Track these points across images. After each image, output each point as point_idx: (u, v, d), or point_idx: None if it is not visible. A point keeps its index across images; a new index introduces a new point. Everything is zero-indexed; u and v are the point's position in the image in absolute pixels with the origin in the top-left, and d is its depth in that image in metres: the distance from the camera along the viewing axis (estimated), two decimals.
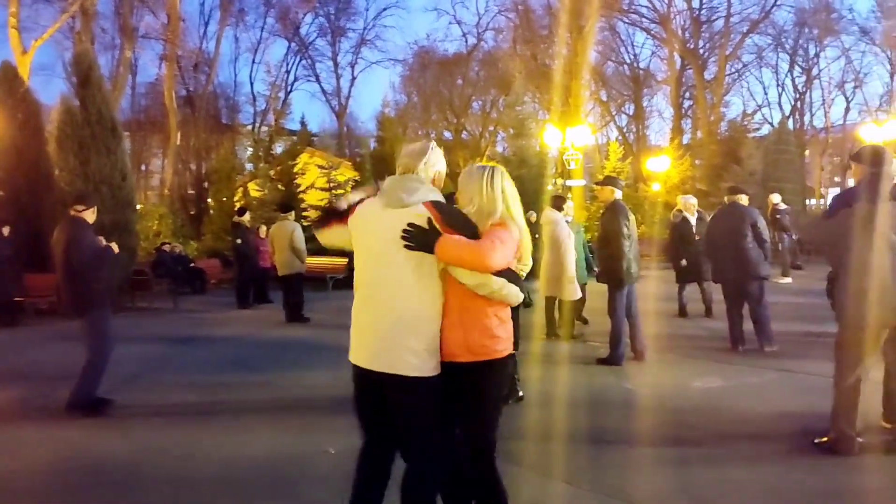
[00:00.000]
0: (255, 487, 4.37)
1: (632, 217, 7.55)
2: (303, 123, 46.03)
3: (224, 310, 13.48)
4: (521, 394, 6.08)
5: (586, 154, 35.83)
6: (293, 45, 42.73)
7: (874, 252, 4.51)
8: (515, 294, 2.89)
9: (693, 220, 10.72)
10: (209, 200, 27.58)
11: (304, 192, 23.11)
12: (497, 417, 3.04)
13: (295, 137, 30.01)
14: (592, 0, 30.88)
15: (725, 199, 8.80)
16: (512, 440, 4.71)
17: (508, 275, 2.88)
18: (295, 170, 23.83)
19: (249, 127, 42.04)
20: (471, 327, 2.90)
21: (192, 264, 17.21)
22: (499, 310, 2.95)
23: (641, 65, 42.65)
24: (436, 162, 3.14)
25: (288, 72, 42.94)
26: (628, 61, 42.86)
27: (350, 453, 3.25)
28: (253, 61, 40.94)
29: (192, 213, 30.70)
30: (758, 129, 34.78)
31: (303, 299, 11.69)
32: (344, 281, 15.35)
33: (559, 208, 8.84)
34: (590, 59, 33.99)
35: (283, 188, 22.97)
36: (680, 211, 10.76)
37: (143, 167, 43.01)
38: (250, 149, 39.59)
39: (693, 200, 10.97)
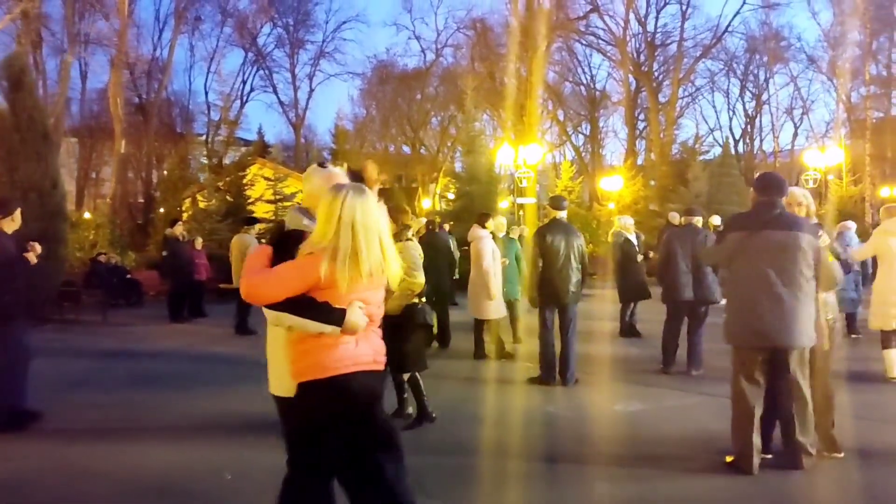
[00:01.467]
0: None
1: (555, 238, 7.41)
2: (259, 134, 45.86)
3: (156, 323, 13.10)
4: (409, 410, 6.01)
5: (542, 172, 36.27)
6: (250, 55, 42.46)
7: (742, 278, 4.71)
8: (313, 327, 2.75)
9: (634, 240, 10.74)
10: (161, 210, 27.08)
11: (252, 203, 22.79)
12: (292, 446, 2.97)
13: (250, 148, 29.72)
14: (548, 20, 31.24)
15: (681, 220, 8.78)
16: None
17: (297, 309, 2.76)
18: (244, 181, 23.50)
19: (203, 137, 41.72)
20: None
21: (128, 275, 16.75)
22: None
23: (598, 86, 43.33)
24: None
25: (244, 82, 42.60)
26: (585, 82, 43.52)
27: (247, 477, 3.12)
28: (208, 70, 40.38)
29: (139, 222, 30.09)
30: (707, 152, 35.49)
31: (248, 312, 11.33)
32: None
33: (482, 224, 8.77)
34: (545, 78, 34.36)
35: (232, 199, 22.62)
36: (620, 232, 10.78)
37: (93, 174, 42.16)
38: (204, 159, 39.23)
39: (630, 221, 11.02)
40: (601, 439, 5.61)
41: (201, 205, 22.06)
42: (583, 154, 43.59)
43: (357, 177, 3.46)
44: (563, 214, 7.63)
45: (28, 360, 5.95)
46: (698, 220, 8.42)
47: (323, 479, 2.96)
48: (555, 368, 7.46)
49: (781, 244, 4.57)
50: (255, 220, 13.14)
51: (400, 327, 5.49)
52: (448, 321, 9.66)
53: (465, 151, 22.18)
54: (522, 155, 23.26)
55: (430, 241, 9.64)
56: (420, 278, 5.49)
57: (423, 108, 42.52)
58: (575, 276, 7.38)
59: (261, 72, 43.46)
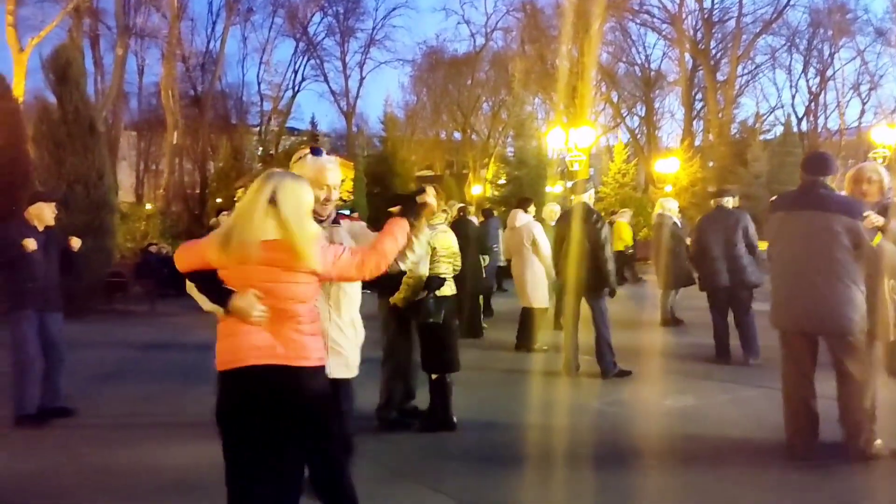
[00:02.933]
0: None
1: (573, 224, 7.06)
2: (312, 124, 46.18)
3: (203, 313, 13.02)
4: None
5: (595, 155, 35.49)
6: (301, 44, 42.67)
7: (780, 260, 4.64)
8: (206, 304, 2.78)
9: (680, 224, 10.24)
10: (218, 200, 27.45)
11: None
12: None
13: (300, 137, 29.91)
14: (600, 0, 30.37)
15: (712, 202, 8.31)
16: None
17: (197, 281, 2.79)
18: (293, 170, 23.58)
19: (257, 127, 42.24)
20: None
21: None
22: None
23: (653, 66, 42.11)
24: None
25: (296, 72, 42.87)
26: (639, 62, 42.30)
27: None
28: (260, 61, 40.81)
29: (195, 212, 30.56)
30: (769, 131, 34.11)
31: None
32: None
33: (524, 209, 8.37)
34: (597, 59, 33.53)
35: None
36: (664, 214, 10.25)
37: (153, 166, 43.10)
38: (261, 149, 39.72)
39: (675, 204, 10.48)
40: (650, 437, 5.23)
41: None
42: (638, 136, 42.52)
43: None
44: (586, 198, 7.21)
45: (33, 359, 5.77)
46: (728, 202, 7.91)
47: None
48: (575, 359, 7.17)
49: (814, 226, 4.37)
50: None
51: (425, 327, 5.28)
52: (479, 312, 9.32)
53: (515, 136, 21.74)
54: (573, 138, 22.76)
55: (460, 229, 9.28)
56: (423, 269, 5.11)
57: (474, 94, 42.05)
58: (596, 265, 6.97)
59: (312, 61, 43.67)
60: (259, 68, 41.42)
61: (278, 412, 2.67)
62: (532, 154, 20.85)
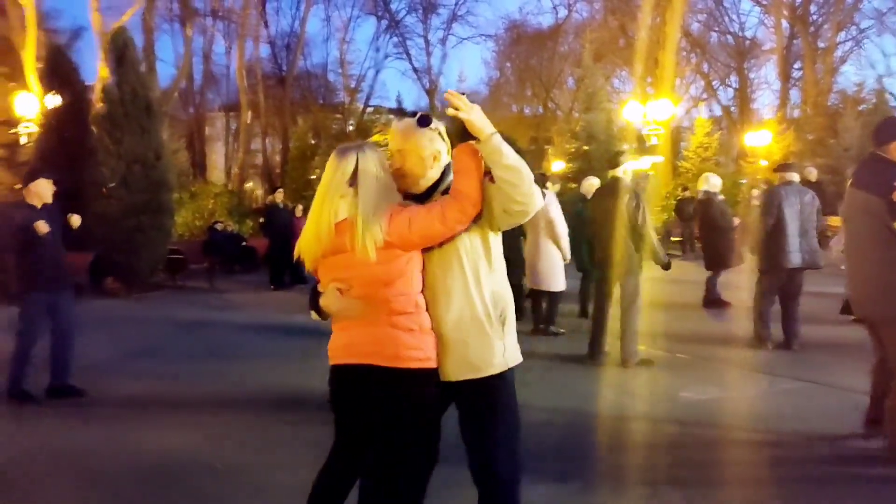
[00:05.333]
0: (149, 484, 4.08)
1: (606, 202, 6.66)
2: (398, 101, 46.31)
3: (259, 290, 13.33)
4: None
5: (688, 129, 33.99)
6: (383, 22, 42.67)
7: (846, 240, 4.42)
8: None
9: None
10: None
11: None
12: None
13: (371, 114, 29.96)
14: None
15: (779, 176, 7.67)
16: None
17: None
18: None
19: (343, 106, 42.67)
20: None
21: (244, 243, 17.24)
22: None
23: (747, 34, 39.84)
24: None
25: (378, 49, 42.95)
26: (733, 30, 40.11)
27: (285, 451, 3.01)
28: (345, 40, 41.07)
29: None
30: (869, 101, 31.64)
31: None
32: None
33: (542, 186, 7.89)
34: (686, 28, 32.02)
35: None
36: (709, 192, 9.55)
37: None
38: (350, 127, 40.20)
39: (719, 181, 9.74)
40: (650, 435, 4.84)
41: (314, 173, 22.43)
42: (731, 108, 40.46)
43: None
44: (620, 172, 6.71)
45: (32, 335, 5.87)
46: (793, 176, 7.22)
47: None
48: (601, 345, 6.75)
49: (853, 204, 4.10)
50: None
51: None
52: (521, 293, 8.95)
53: (584, 109, 20.99)
54: (651, 111, 21.83)
55: None
56: None
57: (556, 67, 41.04)
58: (628, 245, 6.50)
59: (394, 39, 43.64)
60: (342, 47, 41.85)
61: (365, 413, 2.53)
62: (602, 128, 20.06)
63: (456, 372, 2.53)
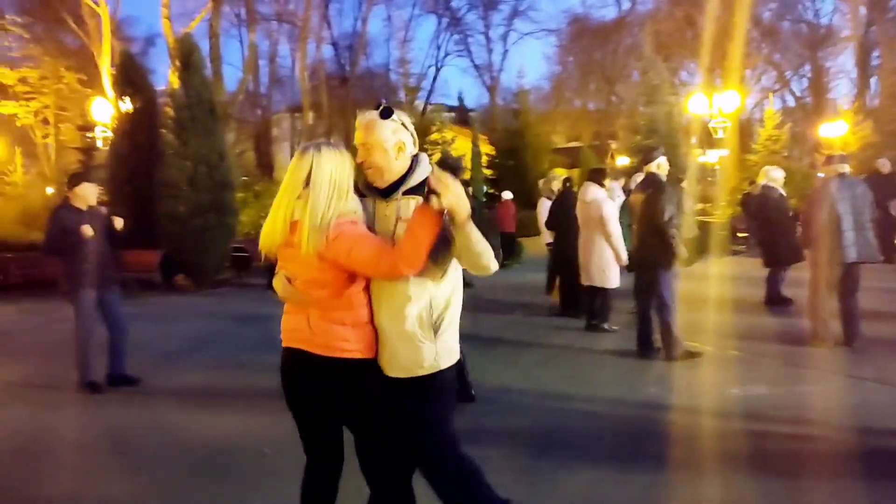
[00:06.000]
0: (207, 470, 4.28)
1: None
2: (460, 99, 46.42)
3: None
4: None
5: (760, 121, 32.97)
6: (444, 20, 42.91)
7: None
8: None
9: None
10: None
11: None
12: None
13: (430, 112, 30.09)
14: None
15: (827, 170, 7.44)
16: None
17: None
18: (425, 145, 23.94)
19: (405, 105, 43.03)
20: None
21: None
22: None
23: (822, 21, 38.42)
24: None
25: (439, 47, 43.27)
26: (806, 18, 38.74)
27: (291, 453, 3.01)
28: (404, 39, 41.45)
29: None
30: None
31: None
32: None
33: (599, 182, 7.84)
34: (756, 17, 31.10)
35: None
36: (769, 185, 9.28)
37: None
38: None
39: (780, 173, 9.42)
40: (695, 431, 4.76)
41: None
42: (805, 99, 39.09)
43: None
44: (653, 167, 6.63)
45: (88, 331, 6.17)
46: (844, 168, 6.98)
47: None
48: (649, 340, 6.75)
49: None
50: (466, 183, 13.24)
51: None
52: (577, 290, 8.92)
53: (646, 102, 20.61)
54: (717, 103, 21.31)
55: (564, 202, 8.94)
56: None
57: (620, 61, 40.42)
58: (657, 239, 6.44)
59: (455, 36, 43.83)
60: (403, 46, 42.25)
61: (306, 397, 2.67)
62: (663, 122, 19.68)
63: (388, 368, 2.63)
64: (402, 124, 2.59)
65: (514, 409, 5.36)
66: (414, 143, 2.64)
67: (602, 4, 49.16)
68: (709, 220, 18.16)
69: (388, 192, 2.60)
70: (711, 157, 20.57)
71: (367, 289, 2.62)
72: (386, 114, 2.55)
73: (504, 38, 44.39)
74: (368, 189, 2.66)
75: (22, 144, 30.46)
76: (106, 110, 16.49)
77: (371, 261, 2.46)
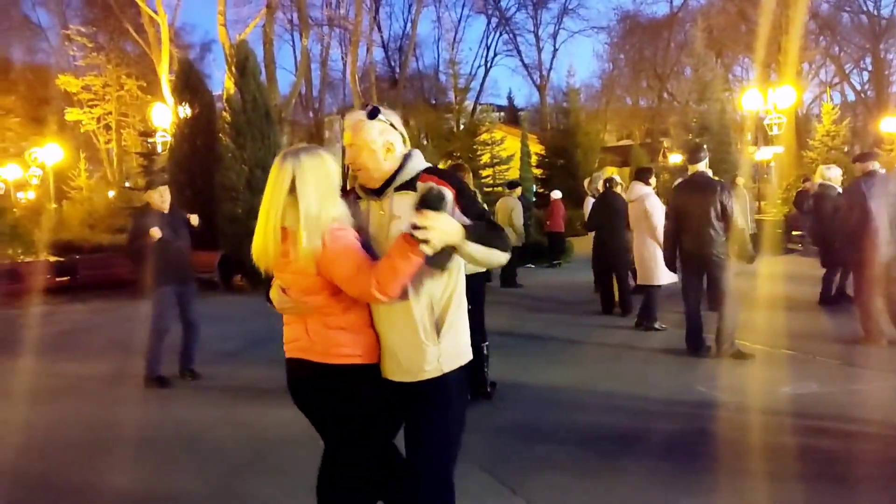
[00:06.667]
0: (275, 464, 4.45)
1: (689, 195, 6.62)
2: (509, 99, 46.41)
3: None
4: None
5: (818, 116, 32.20)
6: (493, 20, 43.00)
7: None
8: None
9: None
10: None
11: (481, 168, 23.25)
12: None
13: (502, 114, 30.27)
14: None
15: (857, 168, 7.35)
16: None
17: None
18: (475, 146, 24.06)
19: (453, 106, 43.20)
20: None
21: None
22: None
23: (883, 12, 37.30)
24: None
25: (488, 47, 43.38)
26: (867, 9, 37.64)
27: None
28: (454, 40, 41.68)
29: None
30: None
31: (514, 269, 12.56)
32: None
33: (645, 181, 7.86)
34: (814, 9, 30.37)
35: (452, 162, 23.22)
36: (827, 184, 9.12)
37: None
38: (462, 126, 40.85)
39: (837, 172, 9.24)
40: (746, 429, 4.77)
41: None
42: (866, 93, 38.02)
43: None
44: (701, 167, 6.63)
45: (161, 327, 6.48)
46: (874, 166, 6.87)
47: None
48: (699, 339, 6.75)
49: None
50: (517, 184, 13.97)
51: None
52: (626, 286, 8.96)
53: (697, 100, 20.40)
54: (773, 99, 20.94)
55: (607, 202, 8.99)
56: None
57: (672, 57, 39.93)
58: (716, 237, 6.46)
59: (504, 36, 43.88)
60: (452, 46, 42.50)
61: (312, 406, 2.67)
62: (715, 119, 19.46)
63: (391, 373, 2.57)
64: (391, 124, 2.56)
65: (562, 407, 5.43)
66: (404, 143, 2.60)
67: (653, 0, 48.76)
68: (763, 218, 17.90)
69: (381, 192, 2.57)
70: (766, 153, 20.26)
71: None
72: (373, 114, 2.54)
73: (554, 36, 44.40)
74: (363, 190, 2.63)
75: (86, 150, 31.68)
76: (166, 116, 17.08)
77: (350, 278, 2.41)
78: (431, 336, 2.52)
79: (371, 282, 2.34)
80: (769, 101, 21.04)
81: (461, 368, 2.61)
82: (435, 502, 2.57)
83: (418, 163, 2.58)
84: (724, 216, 6.42)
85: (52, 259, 15.12)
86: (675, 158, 33.50)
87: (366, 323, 2.56)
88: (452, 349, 2.57)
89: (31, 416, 5.71)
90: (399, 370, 2.55)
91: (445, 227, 2.27)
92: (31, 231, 16.77)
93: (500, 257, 2.50)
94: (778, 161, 20.57)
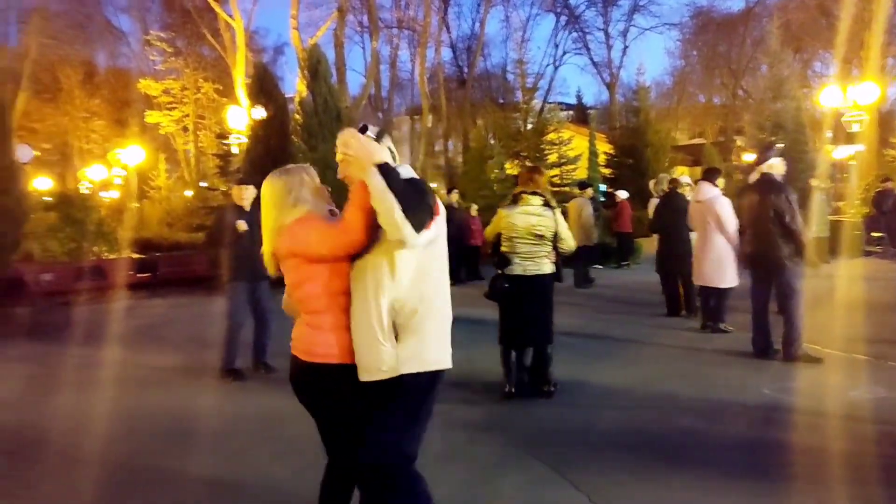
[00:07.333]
0: None
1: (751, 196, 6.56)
2: (578, 97, 46.00)
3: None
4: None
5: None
6: (562, 18, 42.66)
7: None
8: None
9: None
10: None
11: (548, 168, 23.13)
12: None
13: (570, 112, 30.09)
14: None
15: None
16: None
17: None
18: (541, 146, 23.95)
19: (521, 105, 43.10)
20: None
21: None
22: None
23: None
24: None
25: (556, 46, 43.02)
26: None
27: None
28: (522, 39, 41.59)
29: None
30: None
31: (586, 269, 12.89)
32: None
33: (713, 181, 7.73)
34: (890, 2, 29.05)
35: (531, 164, 23.16)
36: (889, 180, 8.83)
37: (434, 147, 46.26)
38: (530, 125, 40.82)
39: None
40: (811, 433, 4.72)
41: (509, 171, 22.88)
42: None
43: None
44: (767, 167, 6.51)
45: (235, 321, 6.75)
46: None
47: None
48: (765, 342, 6.67)
49: None
50: (588, 184, 14.23)
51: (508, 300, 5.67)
52: (691, 287, 8.85)
53: (771, 97, 19.82)
54: (853, 95, 20.21)
55: (671, 202, 8.91)
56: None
57: (748, 53, 38.85)
58: (779, 240, 6.35)
59: (573, 34, 43.48)
60: (521, 46, 42.41)
61: (305, 402, 2.92)
62: (791, 117, 18.87)
63: (358, 371, 2.71)
64: (379, 141, 2.74)
65: (626, 406, 5.46)
66: (394, 159, 2.73)
67: None
68: (841, 220, 17.30)
69: None
70: (845, 152, 19.55)
71: (348, 294, 2.74)
72: (363, 130, 2.73)
73: (624, 34, 43.56)
74: None
75: (165, 151, 32.95)
76: (240, 118, 17.64)
77: (324, 236, 2.69)
78: (388, 337, 2.64)
79: (341, 227, 2.65)
80: (849, 97, 20.33)
81: (427, 375, 2.71)
82: (378, 496, 2.73)
83: (407, 175, 2.69)
84: (780, 220, 6.32)
85: (134, 256, 15.86)
86: (750, 157, 32.67)
87: (343, 325, 2.73)
88: (414, 354, 2.67)
89: (118, 406, 6.04)
90: (361, 368, 2.70)
91: (369, 145, 2.62)
92: (115, 229, 17.55)
93: (397, 214, 2.48)
94: (858, 160, 19.77)
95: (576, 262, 12.42)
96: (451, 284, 9.50)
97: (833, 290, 9.97)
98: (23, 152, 14.38)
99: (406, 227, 2.48)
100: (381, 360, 2.64)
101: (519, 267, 5.58)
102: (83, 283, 13.66)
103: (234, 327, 6.74)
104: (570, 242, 5.65)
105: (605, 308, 10.15)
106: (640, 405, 5.48)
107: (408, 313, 2.65)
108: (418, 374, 2.67)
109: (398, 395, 2.68)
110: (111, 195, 27.59)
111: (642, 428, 4.94)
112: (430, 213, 2.59)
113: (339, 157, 2.76)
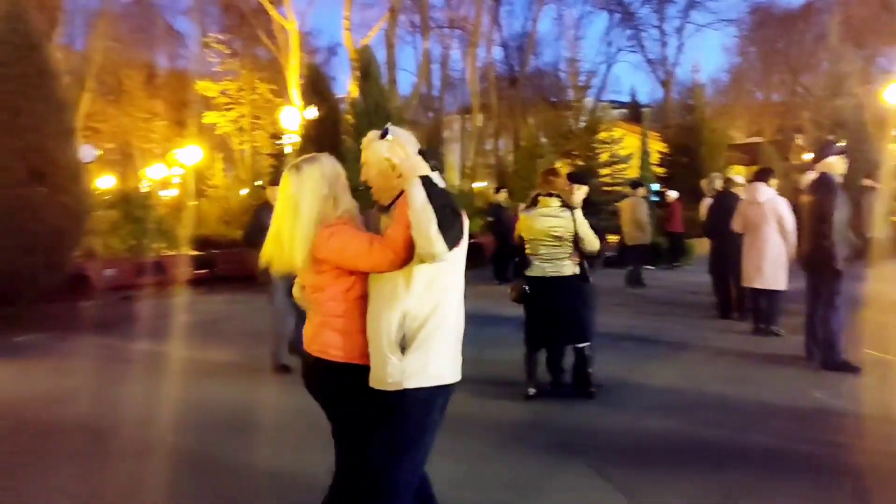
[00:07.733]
0: None
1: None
2: (632, 95, 45.43)
3: (483, 283, 13.97)
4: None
5: None
6: (616, 16, 42.18)
7: None
8: None
9: None
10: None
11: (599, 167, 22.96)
12: None
13: (624, 110, 29.79)
14: None
15: None
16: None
17: None
18: (593, 144, 23.78)
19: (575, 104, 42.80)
20: None
21: (472, 241, 18.21)
22: None
23: None
24: None
25: (609, 43, 42.54)
26: None
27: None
28: (575, 37, 41.23)
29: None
30: None
31: (640, 268, 12.86)
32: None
33: (766, 181, 7.62)
34: None
35: (582, 163, 23.03)
36: None
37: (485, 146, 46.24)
38: (582, 123, 40.57)
39: None
40: (861, 438, 4.68)
41: (563, 170, 22.79)
42: None
43: None
44: (824, 166, 6.40)
45: (286, 321, 6.88)
46: None
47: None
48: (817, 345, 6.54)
49: None
50: (640, 183, 14.24)
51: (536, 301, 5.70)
52: (735, 289, 8.75)
53: (830, 95, 19.35)
54: None
55: (723, 203, 8.81)
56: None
57: (807, 49, 37.84)
58: (823, 240, 6.24)
59: (627, 32, 42.95)
60: (574, 44, 42.08)
61: (316, 398, 2.93)
62: (851, 115, 18.40)
63: (370, 376, 2.71)
64: (401, 144, 2.70)
65: (672, 408, 5.46)
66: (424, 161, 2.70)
67: None
68: None
69: (389, 208, 2.75)
70: None
71: (366, 297, 2.74)
72: (384, 134, 2.72)
73: (679, 31, 42.82)
74: (378, 206, 2.83)
75: (221, 151, 33.70)
76: (294, 118, 17.99)
77: (363, 250, 2.61)
78: (395, 349, 2.61)
79: (384, 245, 2.58)
80: None
81: (433, 389, 2.66)
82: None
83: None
84: (822, 219, 6.18)
85: (193, 253, 16.32)
86: (809, 156, 31.84)
87: (358, 329, 2.74)
88: (419, 368, 2.62)
89: (180, 398, 6.28)
90: (372, 376, 2.70)
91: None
92: (174, 227, 18.08)
93: (433, 228, 2.44)
94: None
95: (632, 261, 12.40)
96: (498, 283, 9.81)
97: (888, 294, 9.72)
98: (85, 152, 14.92)
99: (439, 243, 2.45)
100: (386, 374, 2.64)
101: (538, 269, 5.60)
102: (144, 278, 14.14)
103: (280, 325, 6.92)
104: (592, 242, 5.57)
105: (654, 310, 10.10)
106: (686, 407, 5.47)
107: (419, 325, 2.62)
108: (421, 389, 2.64)
109: (398, 409, 2.66)
110: (170, 193, 28.38)
111: (687, 430, 4.94)
112: (462, 231, 2.58)
113: (362, 160, 2.78)
